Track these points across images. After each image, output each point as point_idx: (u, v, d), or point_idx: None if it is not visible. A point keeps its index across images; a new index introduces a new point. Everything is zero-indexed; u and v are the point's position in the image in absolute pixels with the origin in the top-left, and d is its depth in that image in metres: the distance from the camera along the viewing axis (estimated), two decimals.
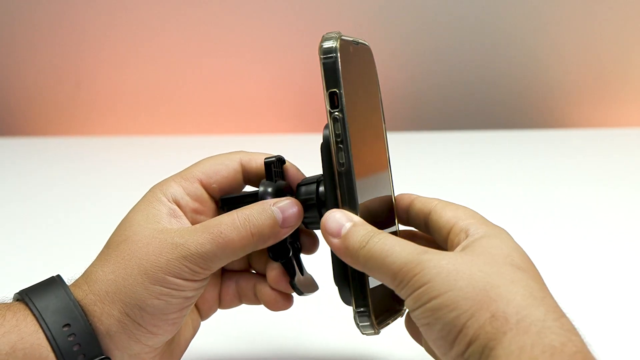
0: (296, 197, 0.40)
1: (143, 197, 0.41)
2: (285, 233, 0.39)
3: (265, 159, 0.42)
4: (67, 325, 0.36)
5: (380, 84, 0.43)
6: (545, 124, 1.23)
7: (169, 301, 0.37)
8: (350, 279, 0.38)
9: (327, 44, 0.37)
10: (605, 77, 1.22)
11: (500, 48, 1.21)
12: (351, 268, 0.37)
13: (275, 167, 0.41)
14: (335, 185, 0.37)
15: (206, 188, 0.42)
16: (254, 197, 0.40)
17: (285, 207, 0.39)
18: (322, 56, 0.36)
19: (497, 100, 1.23)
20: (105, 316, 0.37)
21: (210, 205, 0.42)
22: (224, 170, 0.42)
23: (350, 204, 0.37)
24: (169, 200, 0.40)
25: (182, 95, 1.26)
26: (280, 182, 0.41)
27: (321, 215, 0.39)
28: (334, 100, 0.37)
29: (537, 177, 0.90)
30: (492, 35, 1.20)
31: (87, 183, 0.93)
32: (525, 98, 1.23)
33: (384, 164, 0.43)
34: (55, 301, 0.37)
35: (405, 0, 1.19)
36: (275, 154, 0.42)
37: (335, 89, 0.36)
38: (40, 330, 0.36)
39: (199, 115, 1.27)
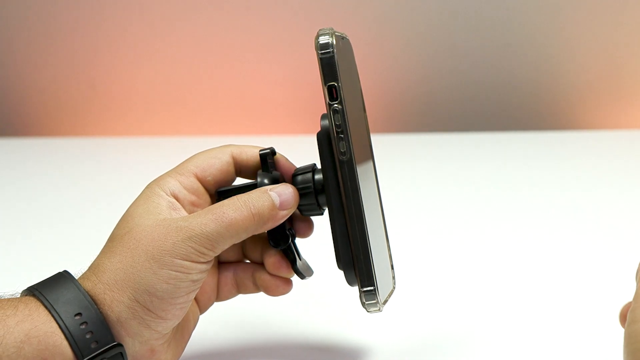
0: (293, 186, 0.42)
1: (141, 193, 0.42)
2: (283, 216, 0.41)
3: (260, 151, 0.43)
4: (79, 314, 0.37)
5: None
6: (558, 126, 1.22)
7: (177, 285, 0.38)
8: (355, 261, 0.40)
9: (324, 40, 0.38)
10: (619, 79, 1.22)
11: (513, 49, 1.21)
12: (355, 249, 0.39)
13: (269, 159, 0.43)
14: (337, 173, 0.39)
15: (201, 181, 0.43)
16: (250, 188, 0.42)
17: (282, 191, 0.41)
18: (319, 51, 0.38)
19: (509, 102, 1.23)
20: (115, 303, 0.38)
21: (206, 198, 0.44)
22: (218, 163, 0.43)
23: (352, 190, 0.39)
24: (167, 194, 0.41)
25: (197, 96, 1.27)
26: (276, 173, 0.43)
27: (318, 202, 0.42)
28: (332, 93, 0.39)
29: (550, 179, 0.90)
30: (504, 36, 1.20)
31: (103, 183, 0.94)
32: (539, 100, 1.23)
33: (369, 151, 0.45)
34: (65, 293, 0.37)
35: (416, 0, 1.19)
36: (267, 146, 0.44)
37: (333, 82, 0.38)
38: (52, 320, 0.37)
39: (214, 116, 1.28)
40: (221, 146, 0.45)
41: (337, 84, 0.38)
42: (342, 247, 0.40)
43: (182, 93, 1.27)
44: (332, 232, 0.41)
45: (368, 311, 0.41)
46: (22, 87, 1.30)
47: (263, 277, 0.44)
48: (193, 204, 0.42)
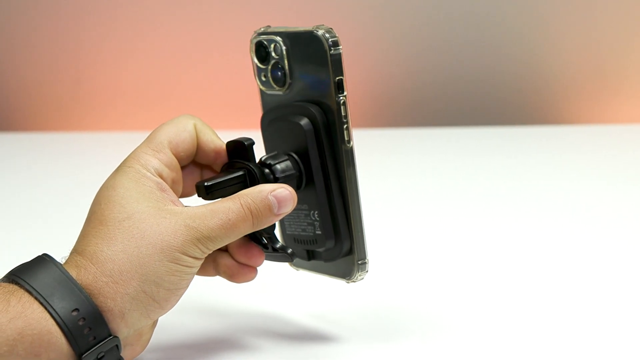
0: (273, 176, 0.43)
1: (124, 172, 0.41)
2: (278, 219, 0.42)
3: (246, 142, 0.43)
4: (76, 309, 0.36)
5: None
6: (543, 120, 1.23)
7: (181, 277, 0.39)
8: (353, 237, 0.42)
9: (333, 36, 0.40)
10: (604, 73, 1.23)
11: (499, 44, 1.22)
12: (355, 228, 0.42)
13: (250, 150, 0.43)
14: (342, 161, 0.41)
15: (175, 156, 0.43)
16: (240, 183, 0.42)
17: (281, 196, 0.41)
18: (332, 48, 0.40)
19: (495, 97, 1.24)
20: (119, 295, 0.37)
21: (180, 172, 0.44)
22: (188, 138, 0.43)
23: (354, 175, 0.42)
24: (153, 175, 0.41)
25: (182, 90, 1.27)
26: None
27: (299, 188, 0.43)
28: (341, 86, 0.41)
29: (536, 174, 0.91)
30: (490, 31, 1.21)
31: (87, 178, 0.93)
32: (524, 94, 1.24)
33: None
34: (59, 288, 0.37)
35: None
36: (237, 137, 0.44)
37: (341, 77, 0.41)
38: (48, 317, 0.36)
39: (199, 111, 1.27)
40: (184, 117, 0.44)
41: (344, 77, 0.40)
42: (342, 226, 0.42)
43: (168, 87, 1.27)
44: (329, 213, 0.42)
45: (356, 280, 0.43)
46: (6, 81, 1.29)
47: (227, 263, 0.44)
48: (173, 181, 0.43)
